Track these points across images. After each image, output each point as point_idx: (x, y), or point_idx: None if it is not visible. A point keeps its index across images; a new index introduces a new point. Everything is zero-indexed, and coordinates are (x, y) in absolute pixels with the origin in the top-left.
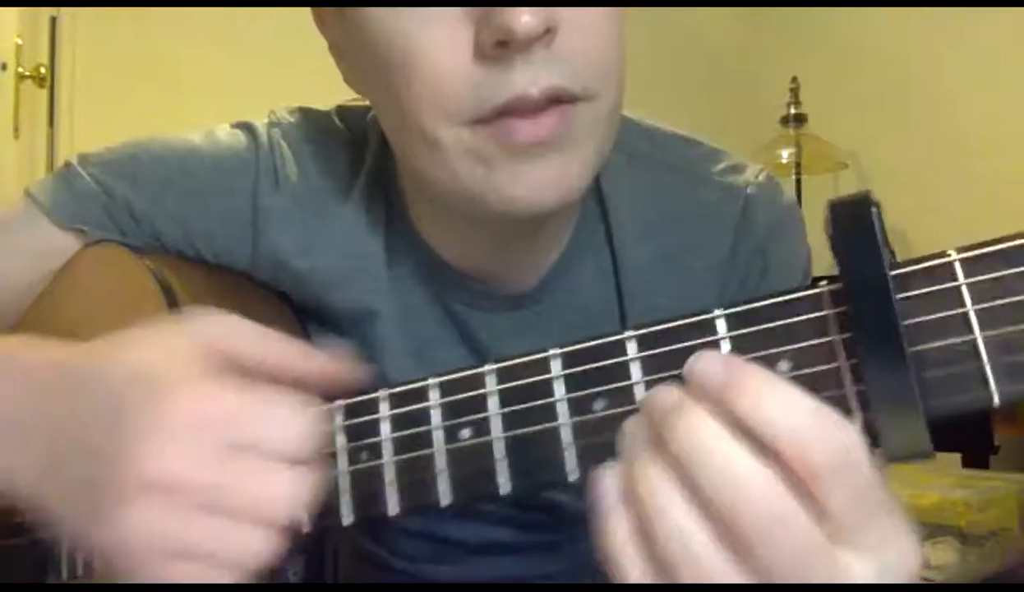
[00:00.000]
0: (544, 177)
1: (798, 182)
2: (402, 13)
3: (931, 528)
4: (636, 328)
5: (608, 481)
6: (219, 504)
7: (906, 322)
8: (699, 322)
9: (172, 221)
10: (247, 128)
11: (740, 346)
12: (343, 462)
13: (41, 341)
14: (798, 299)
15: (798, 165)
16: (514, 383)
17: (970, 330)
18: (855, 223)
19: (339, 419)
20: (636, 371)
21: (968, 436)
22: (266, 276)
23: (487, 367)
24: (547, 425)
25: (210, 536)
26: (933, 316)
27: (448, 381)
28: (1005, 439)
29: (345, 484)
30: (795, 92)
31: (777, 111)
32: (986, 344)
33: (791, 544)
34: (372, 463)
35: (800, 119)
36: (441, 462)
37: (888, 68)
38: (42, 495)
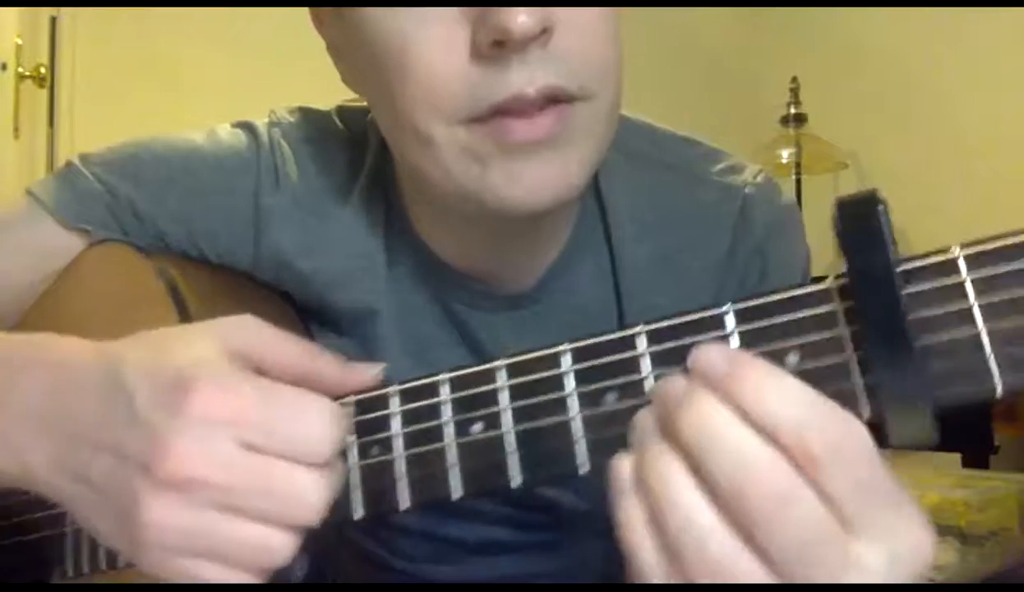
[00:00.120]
0: (540, 177)
1: (798, 182)
2: (399, 13)
3: None
4: (646, 323)
5: (621, 470)
6: (242, 505)
7: (912, 316)
8: (708, 317)
9: (175, 221)
10: (248, 128)
11: (749, 341)
12: (353, 457)
13: (63, 337)
14: (806, 294)
15: (798, 165)
16: (525, 378)
17: (974, 323)
18: (862, 220)
19: (351, 413)
20: (646, 365)
21: (968, 436)
22: (268, 276)
23: (498, 362)
24: (558, 418)
25: (231, 537)
26: (938, 310)
27: (459, 376)
28: (1005, 439)
29: (356, 479)
30: (795, 92)
31: (777, 111)
32: (989, 337)
33: (798, 527)
34: (383, 458)
35: (800, 119)
36: (452, 456)
37: (888, 68)
38: (61, 488)
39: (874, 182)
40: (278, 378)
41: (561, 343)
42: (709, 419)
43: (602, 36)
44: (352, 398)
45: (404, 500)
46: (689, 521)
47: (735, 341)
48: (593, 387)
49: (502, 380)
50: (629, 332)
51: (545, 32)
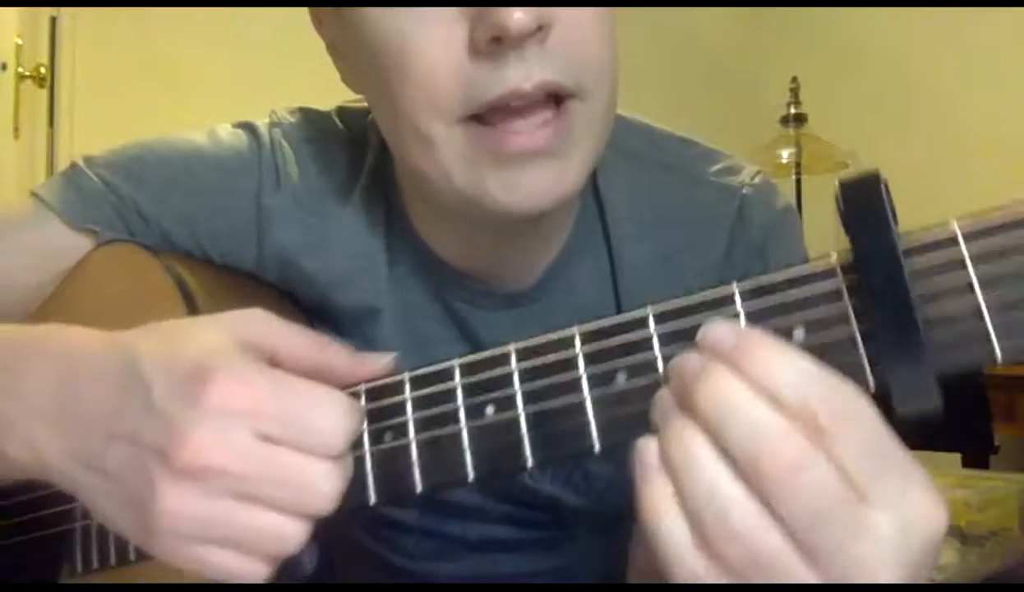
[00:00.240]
0: (539, 184)
1: (798, 182)
2: (399, 13)
3: None
4: (654, 303)
5: (647, 450)
6: (257, 493)
7: (914, 287)
8: (715, 297)
9: (179, 222)
10: (249, 128)
11: (755, 318)
12: (367, 443)
13: (69, 327)
14: (810, 272)
15: (798, 165)
16: (535, 361)
17: (973, 293)
18: (865, 198)
19: (361, 402)
20: (655, 345)
21: (968, 436)
22: (272, 276)
23: (508, 347)
24: (569, 399)
25: (246, 525)
26: (938, 282)
27: (469, 362)
28: (1005, 439)
29: (370, 465)
30: (795, 92)
31: (777, 111)
32: (988, 305)
33: (811, 494)
34: (397, 443)
35: (800, 119)
36: (466, 439)
37: (888, 68)
38: (74, 477)
39: None
40: (290, 370)
41: (570, 326)
42: (724, 392)
43: (598, 34)
44: (362, 386)
45: (419, 483)
46: (712, 491)
47: (742, 318)
48: (603, 368)
49: (513, 364)
50: (638, 313)
51: (541, 29)
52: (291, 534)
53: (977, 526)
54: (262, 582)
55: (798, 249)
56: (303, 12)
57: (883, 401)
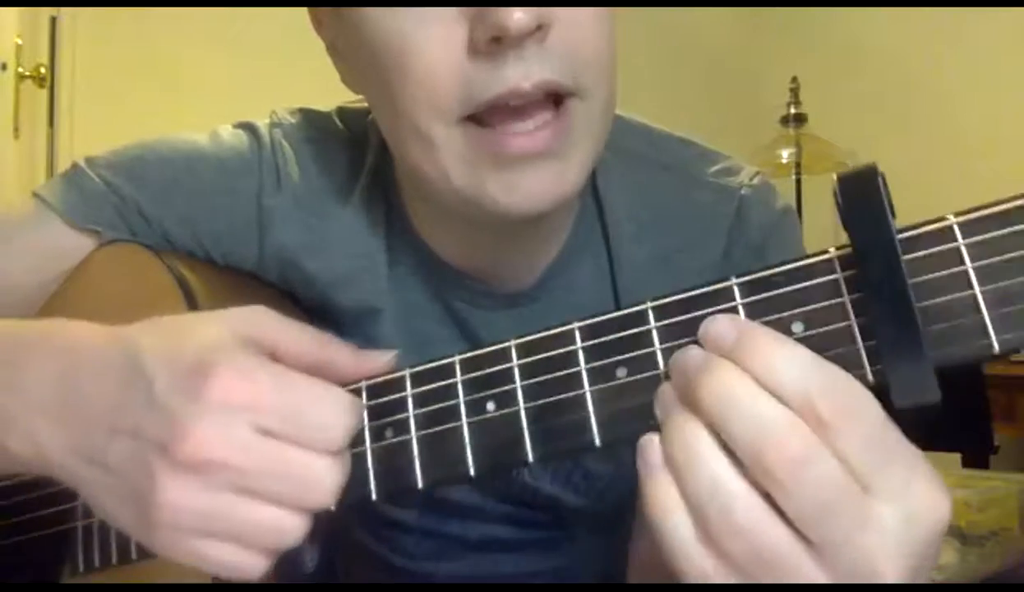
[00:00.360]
0: (538, 185)
1: (798, 182)
2: (399, 13)
3: None
4: (653, 299)
5: (650, 447)
6: (257, 487)
7: (912, 281)
8: (714, 291)
9: (180, 222)
10: (249, 128)
11: (755, 312)
12: (368, 440)
13: (71, 322)
14: (808, 265)
15: (798, 165)
16: (536, 356)
17: (970, 286)
18: (863, 192)
19: (362, 399)
20: (655, 340)
21: (968, 436)
22: (273, 276)
23: (508, 342)
24: (570, 394)
25: (246, 518)
26: (936, 275)
27: (470, 358)
28: (1005, 439)
29: (371, 461)
30: (795, 92)
31: (777, 111)
32: (985, 298)
33: (816, 487)
34: (397, 439)
35: (800, 119)
36: (467, 434)
37: (888, 68)
38: (75, 471)
39: None
40: (291, 366)
41: (570, 322)
42: (727, 386)
43: (598, 34)
44: (363, 383)
45: (420, 479)
46: (715, 486)
47: (741, 313)
48: (603, 362)
49: (513, 359)
50: (637, 308)
51: (541, 28)
52: (291, 527)
53: (977, 526)
54: (261, 577)
55: (797, 250)
56: (303, 12)
57: (882, 394)
